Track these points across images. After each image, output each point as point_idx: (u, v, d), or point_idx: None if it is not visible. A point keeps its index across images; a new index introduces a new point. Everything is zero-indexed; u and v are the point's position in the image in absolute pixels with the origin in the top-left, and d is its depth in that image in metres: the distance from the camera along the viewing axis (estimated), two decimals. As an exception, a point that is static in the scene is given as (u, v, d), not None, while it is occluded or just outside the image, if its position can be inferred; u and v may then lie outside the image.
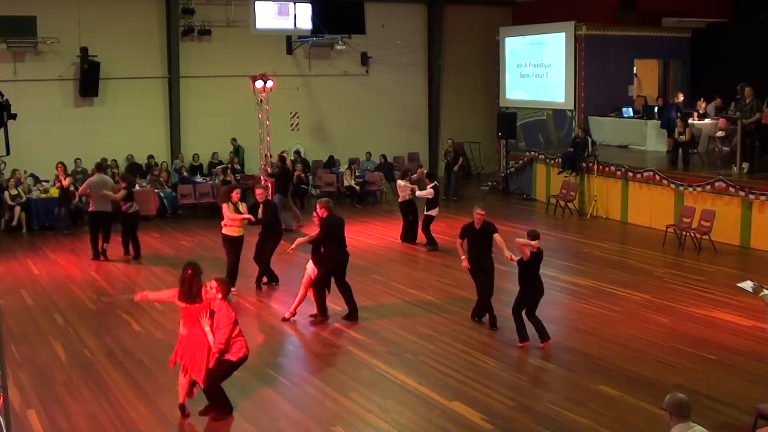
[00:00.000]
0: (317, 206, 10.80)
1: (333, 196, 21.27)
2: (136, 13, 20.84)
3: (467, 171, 24.58)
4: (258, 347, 9.80)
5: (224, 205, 11.99)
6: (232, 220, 11.87)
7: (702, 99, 19.62)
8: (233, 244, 12.05)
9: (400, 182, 16.10)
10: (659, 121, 19.25)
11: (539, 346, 9.65)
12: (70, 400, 8.30)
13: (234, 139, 21.61)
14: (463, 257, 10.61)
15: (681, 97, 19.07)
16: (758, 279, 7.62)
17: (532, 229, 9.76)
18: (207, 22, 21.40)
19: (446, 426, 7.58)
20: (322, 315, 10.82)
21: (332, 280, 10.85)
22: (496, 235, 10.42)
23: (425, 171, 16.94)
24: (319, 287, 10.70)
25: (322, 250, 10.64)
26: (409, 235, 15.90)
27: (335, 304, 11.50)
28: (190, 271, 7.67)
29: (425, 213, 15.41)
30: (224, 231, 12.06)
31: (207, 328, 7.47)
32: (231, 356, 7.57)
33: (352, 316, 10.89)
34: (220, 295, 7.48)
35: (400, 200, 15.98)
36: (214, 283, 7.51)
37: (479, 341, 10.00)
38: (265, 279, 12.63)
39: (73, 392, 8.50)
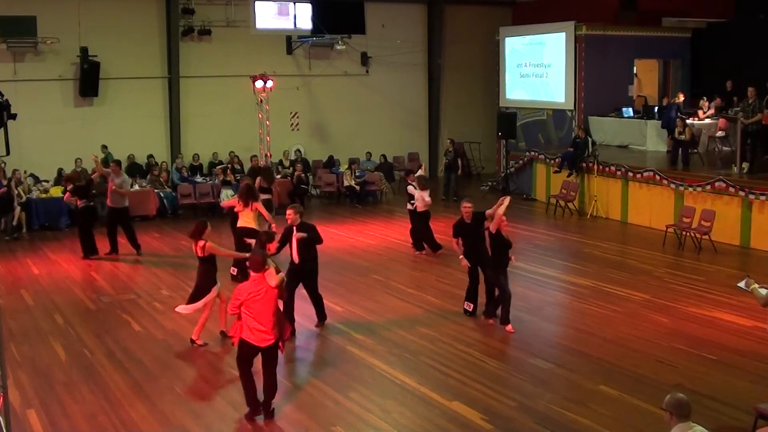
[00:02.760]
0: (291, 212, 10.22)
1: (333, 196, 21.40)
2: (136, 13, 20.84)
3: (467, 171, 24.64)
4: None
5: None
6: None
7: (705, 98, 19.62)
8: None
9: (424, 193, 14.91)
10: (659, 121, 19.26)
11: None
12: (70, 400, 8.30)
13: (104, 146, 19.91)
14: (461, 257, 10.64)
15: (681, 97, 19.08)
16: (758, 279, 7.61)
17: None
18: (207, 22, 21.39)
19: (446, 426, 7.58)
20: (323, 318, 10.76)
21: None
22: (488, 219, 10.44)
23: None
24: (289, 294, 10.13)
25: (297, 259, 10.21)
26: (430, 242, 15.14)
27: (335, 304, 11.51)
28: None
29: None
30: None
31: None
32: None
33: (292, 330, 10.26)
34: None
35: (421, 209, 14.86)
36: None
37: (479, 341, 10.00)
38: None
39: (73, 392, 8.50)
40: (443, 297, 11.92)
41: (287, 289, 9.49)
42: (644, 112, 20.34)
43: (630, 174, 17.53)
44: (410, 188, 15.02)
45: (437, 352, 9.61)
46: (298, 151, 22.29)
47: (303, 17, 22.82)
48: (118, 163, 15.98)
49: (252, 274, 7.67)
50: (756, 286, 7.16)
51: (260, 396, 7.78)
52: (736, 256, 14.63)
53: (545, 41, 22.25)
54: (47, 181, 18.72)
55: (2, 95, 6.79)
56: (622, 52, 21.29)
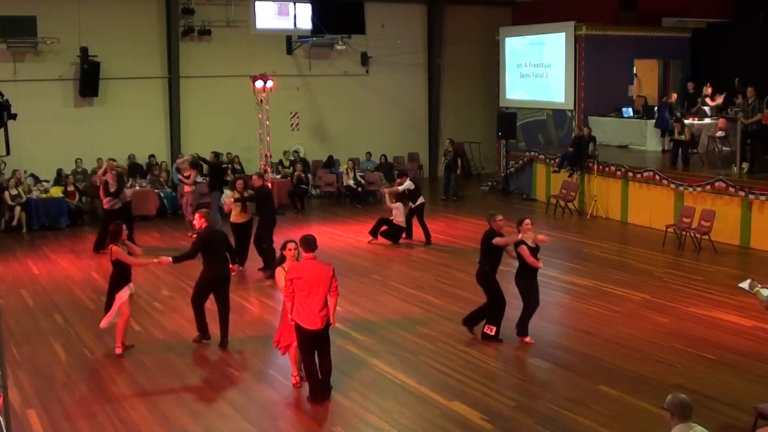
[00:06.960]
0: (196, 216, 10.07)
1: (333, 196, 21.40)
2: (136, 13, 20.83)
3: (467, 171, 24.65)
4: (258, 347, 9.81)
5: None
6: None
7: (708, 84, 19.41)
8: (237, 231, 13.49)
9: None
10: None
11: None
12: (70, 400, 8.30)
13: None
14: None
15: (674, 97, 19.07)
16: (759, 279, 7.61)
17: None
18: (207, 22, 21.39)
19: (446, 426, 7.58)
20: (203, 336, 9.94)
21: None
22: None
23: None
24: (196, 305, 9.88)
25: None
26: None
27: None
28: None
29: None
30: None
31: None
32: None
33: (222, 342, 9.81)
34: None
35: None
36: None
37: (479, 341, 9.98)
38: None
39: (73, 392, 8.50)
40: (443, 297, 11.93)
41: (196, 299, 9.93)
42: (644, 112, 20.34)
43: (630, 174, 17.53)
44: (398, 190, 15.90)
45: (437, 352, 9.61)
46: (296, 152, 22.28)
47: (303, 17, 22.82)
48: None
49: (303, 254, 8.04)
50: (759, 287, 7.15)
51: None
52: (736, 256, 14.64)
53: (545, 41, 22.25)
54: (47, 181, 18.72)
55: (2, 95, 6.79)
56: (621, 52, 21.28)
